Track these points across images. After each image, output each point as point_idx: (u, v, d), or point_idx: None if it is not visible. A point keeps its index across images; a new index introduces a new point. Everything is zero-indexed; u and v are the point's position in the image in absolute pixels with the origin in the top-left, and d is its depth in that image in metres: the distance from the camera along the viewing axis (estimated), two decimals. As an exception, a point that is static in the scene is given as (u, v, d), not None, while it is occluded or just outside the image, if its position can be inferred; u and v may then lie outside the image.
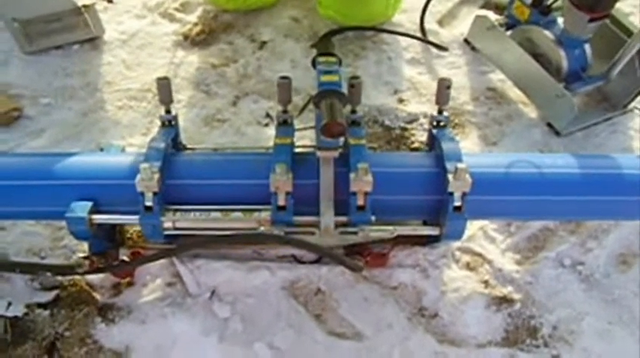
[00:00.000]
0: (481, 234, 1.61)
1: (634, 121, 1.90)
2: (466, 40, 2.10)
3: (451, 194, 1.29)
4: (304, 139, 1.60)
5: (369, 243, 1.36)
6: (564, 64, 1.81)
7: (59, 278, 1.47)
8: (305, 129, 1.59)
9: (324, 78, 1.37)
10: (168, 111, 1.44)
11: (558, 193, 1.38)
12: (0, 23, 2.04)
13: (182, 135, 1.53)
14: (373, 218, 1.30)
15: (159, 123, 1.46)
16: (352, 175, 1.27)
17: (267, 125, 1.84)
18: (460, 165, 1.27)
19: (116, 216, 1.34)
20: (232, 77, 1.97)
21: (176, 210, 1.32)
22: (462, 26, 2.16)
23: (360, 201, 1.28)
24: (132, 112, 1.87)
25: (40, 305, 1.44)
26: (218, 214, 1.32)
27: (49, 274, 1.41)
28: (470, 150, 1.78)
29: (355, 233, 1.30)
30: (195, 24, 2.12)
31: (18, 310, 1.42)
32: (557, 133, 1.84)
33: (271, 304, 1.47)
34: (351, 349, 1.41)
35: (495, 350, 1.42)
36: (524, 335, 1.45)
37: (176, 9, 2.17)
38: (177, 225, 1.32)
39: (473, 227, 1.60)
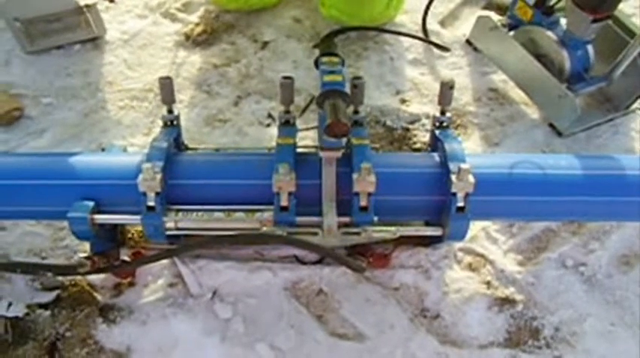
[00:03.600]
0: (483, 234, 1.60)
1: (636, 122, 1.90)
2: (468, 41, 2.09)
3: (454, 194, 1.29)
4: (306, 140, 1.60)
5: (371, 243, 1.36)
6: (567, 64, 1.80)
7: (60, 278, 1.47)
8: (307, 129, 1.59)
9: (327, 78, 1.36)
10: (170, 111, 1.44)
11: (561, 194, 1.38)
12: (1, 23, 2.03)
13: (183, 136, 1.52)
14: (376, 218, 1.30)
15: (161, 123, 1.46)
16: (355, 176, 1.27)
17: (269, 125, 1.84)
18: (463, 166, 1.27)
19: (118, 216, 1.34)
20: (234, 77, 1.97)
21: (178, 210, 1.32)
22: (464, 27, 2.15)
23: (363, 202, 1.28)
24: (133, 112, 1.87)
25: (41, 306, 1.43)
26: (220, 214, 1.32)
27: (50, 274, 1.41)
28: (472, 150, 1.78)
29: (358, 233, 1.29)
30: (197, 24, 2.12)
31: (19, 310, 1.41)
32: (560, 134, 1.84)
33: (273, 305, 1.47)
34: (352, 350, 1.41)
35: (497, 351, 1.42)
36: (526, 337, 1.44)
37: (178, 9, 2.17)
38: (180, 225, 1.32)
39: (475, 228, 1.59)
